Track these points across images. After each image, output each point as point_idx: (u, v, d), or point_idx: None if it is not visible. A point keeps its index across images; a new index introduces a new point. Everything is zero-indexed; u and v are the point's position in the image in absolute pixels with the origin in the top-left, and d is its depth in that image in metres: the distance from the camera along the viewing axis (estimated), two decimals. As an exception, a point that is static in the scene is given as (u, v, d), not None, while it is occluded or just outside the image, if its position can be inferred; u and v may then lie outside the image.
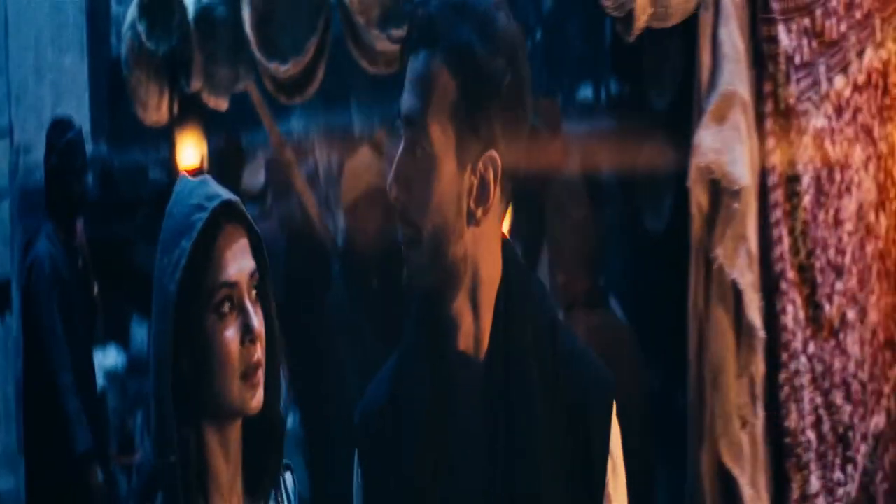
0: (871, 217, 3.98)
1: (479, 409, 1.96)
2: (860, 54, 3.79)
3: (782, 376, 3.28)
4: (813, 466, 3.48)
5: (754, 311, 2.91)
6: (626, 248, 3.91)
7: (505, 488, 1.92)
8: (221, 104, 3.28)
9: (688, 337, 2.98)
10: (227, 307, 2.09)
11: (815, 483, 3.47)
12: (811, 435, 3.50)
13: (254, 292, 2.11)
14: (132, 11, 3.43)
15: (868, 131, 3.92)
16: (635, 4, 2.57)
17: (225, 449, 2.13)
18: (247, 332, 2.09)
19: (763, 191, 3.13)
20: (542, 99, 4.13)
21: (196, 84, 3.25)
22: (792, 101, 3.23)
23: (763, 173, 3.13)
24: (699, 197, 2.88)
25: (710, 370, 2.94)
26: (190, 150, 3.86)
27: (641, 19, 2.62)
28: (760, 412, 3.04)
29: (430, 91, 1.93)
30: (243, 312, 2.09)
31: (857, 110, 3.80)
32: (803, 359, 3.44)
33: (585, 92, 4.37)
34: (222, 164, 4.29)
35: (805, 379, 3.46)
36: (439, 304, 1.98)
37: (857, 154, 3.82)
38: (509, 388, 1.94)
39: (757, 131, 3.10)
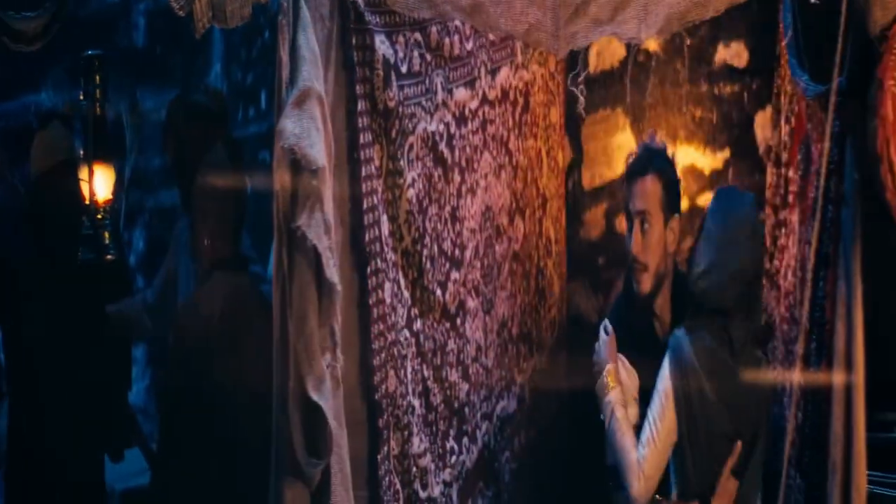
0: (504, 220, 4.44)
1: None
2: (493, 72, 4.27)
3: (377, 343, 3.62)
4: (415, 430, 3.85)
5: (331, 270, 3.20)
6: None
7: None
8: None
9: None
10: None
11: (417, 444, 3.83)
12: (416, 402, 3.88)
13: None
14: None
15: (502, 142, 4.39)
16: (194, 7, 2.98)
17: None
18: None
19: (355, 178, 3.52)
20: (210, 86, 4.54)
21: None
22: (392, 103, 3.63)
23: (355, 163, 3.52)
24: (282, 175, 3.21)
25: (295, 319, 3.23)
26: None
27: (202, 21, 3.03)
28: (341, 357, 3.29)
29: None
30: None
31: (488, 122, 4.26)
32: (406, 333, 3.82)
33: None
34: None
35: (410, 351, 3.86)
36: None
37: (487, 161, 4.28)
38: None
39: (347, 127, 3.50)
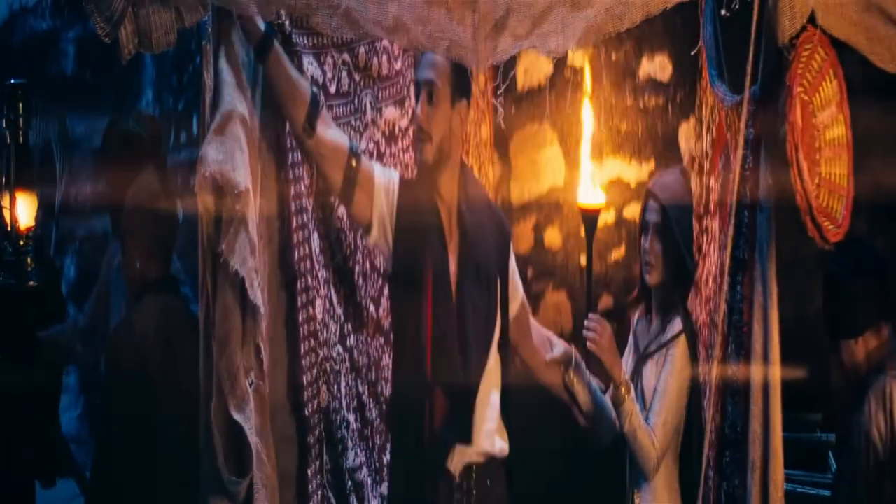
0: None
1: None
2: (420, 90, 4.32)
3: (308, 360, 3.66)
4: (350, 444, 3.88)
5: (255, 292, 3.23)
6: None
7: None
8: None
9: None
10: None
11: (353, 458, 3.88)
12: (350, 417, 3.92)
13: None
14: None
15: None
16: (120, 33, 3.02)
17: None
18: None
19: (283, 197, 3.56)
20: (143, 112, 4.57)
21: None
22: (323, 124, 3.66)
23: (283, 183, 3.56)
24: (206, 200, 3.20)
25: (217, 340, 3.25)
26: None
27: (128, 48, 3.07)
28: (266, 376, 3.35)
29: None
30: None
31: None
32: (339, 348, 3.86)
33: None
34: None
35: (343, 367, 3.89)
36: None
37: (417, 177, 4.32)
38: None
39: (276, 147, 3.53)
